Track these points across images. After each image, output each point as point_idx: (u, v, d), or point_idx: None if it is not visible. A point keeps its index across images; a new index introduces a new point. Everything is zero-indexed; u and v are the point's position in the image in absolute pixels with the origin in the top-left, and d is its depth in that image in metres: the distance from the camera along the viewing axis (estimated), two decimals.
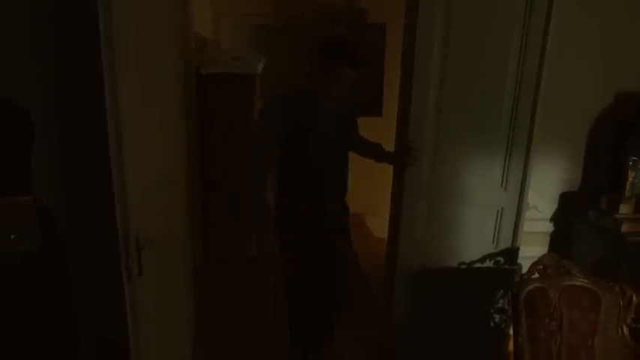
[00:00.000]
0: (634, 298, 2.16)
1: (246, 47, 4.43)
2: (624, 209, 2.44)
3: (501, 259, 2.57)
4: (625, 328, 2.16)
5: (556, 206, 2.82)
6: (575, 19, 2.58)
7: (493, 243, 2.56)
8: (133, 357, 1.61)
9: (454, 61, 2.52)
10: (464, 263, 2.57)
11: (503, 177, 2.50)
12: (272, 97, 2.38)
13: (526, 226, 2.66)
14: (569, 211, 2.79)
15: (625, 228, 2.38)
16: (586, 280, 2.23)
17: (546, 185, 2.79)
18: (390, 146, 2.91)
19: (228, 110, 3.77)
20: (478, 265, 2.57)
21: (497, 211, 2.53)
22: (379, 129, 4.42)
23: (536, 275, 2.22)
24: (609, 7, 2.60)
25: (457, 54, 2.53)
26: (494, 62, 2.51)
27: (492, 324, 2.65)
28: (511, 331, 2.32)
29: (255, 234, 2.42)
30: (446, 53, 2.52)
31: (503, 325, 2.64)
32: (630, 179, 2.54)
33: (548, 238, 2.84)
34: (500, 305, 2.62)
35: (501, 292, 2.61)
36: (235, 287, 3.75)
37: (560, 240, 2.76)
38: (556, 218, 2.82)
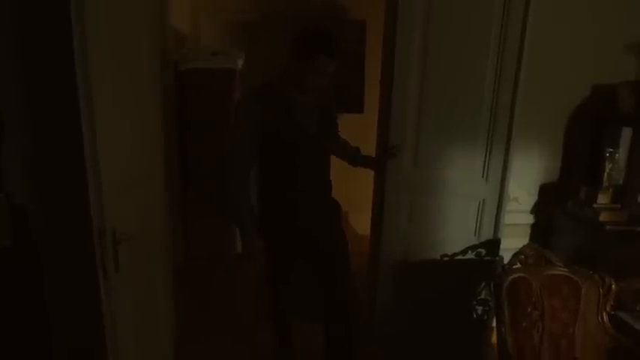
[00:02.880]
0: (613, 286, 2.19)
1: (225, 43, 4.37)
2: (602, 199, 2.48)
3: (483, 251, 2.59)
4: (604, 316, 2.19)
5: (536, 198, 2.85)
6: (552, 14, 2.61)
7: (475, 235, 2.58)
8: (110, 356, 1.57)
9: (434, 57, 2.55)
10: (446, 255, 2.58)
11: (484, 169, 2.52)
12: (245, 92, 2.26)
13: (507, 218, 2.68)
14: (549, 202, 2.82)
15: (603, 217, 2.42)
16: (566, 270, 2.26)
17: (526, 177, 2.82)
18: (372, 143, 2.92)
19: (207, 106, 3.72)
20: (460, 256, 2.58)
21: (479, 202, 2.55)
22: (360, 126, 4.42)
23: (518, 265, 2.23)
24: (585, 2, 2.63)
25: (437, 49, 2.54)
26: (473, 57, 2.54)
27: (475, 315, 2.66)
28: (494, 323, 2.33)
29: (239, 234, 2.27)
30: (426, 48, 2.55)
31: (485, 317, 2.66)
32: (607, 170, 2.58)
33: (529, 230, 2.87)
34: (482, 296, 2.64)
35: (483, 283, 2.62)
36: (217, 286, 3.70)
37: (541, 231, 2.79)
38: (536, 210, 2.85)
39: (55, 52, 1.51)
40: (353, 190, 4.55)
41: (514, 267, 2.22)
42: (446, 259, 2.58)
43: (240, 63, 3.87)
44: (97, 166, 1.47)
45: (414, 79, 2.58)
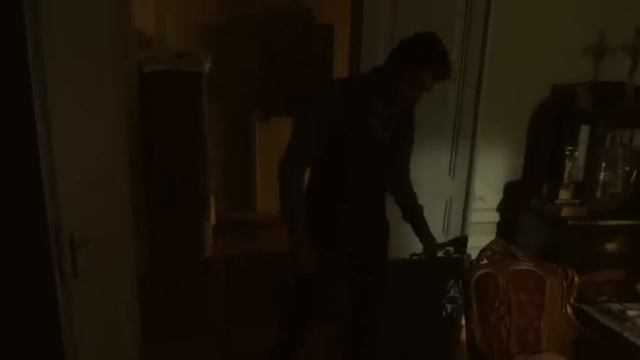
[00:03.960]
0: (575, 279, 2.25)
1: (192, 46, 4.31)
2: (563, 195, 2.55)
3: (451, 249, 2.61)
4: (568, 308, 2.25)
5: (501, 196, 2.91)
6: (513, 17, 2.69)
7: (443, 233, 2.60)
8: None
9: None
10: (415, 254, 2.59)
11: (450, 167, 2.56)
12: (326, 85, 2.15)
13: (474, 217, 2.73)
14: (513, 200, 2.88)
15: (565, 212, 2.49)
16: (531, 264, 2.30)
17: (491, 176, 2.88)
18: None
19: (173, 109, 3.64)
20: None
21: (446, 201, 2.58)
22: None
23: (485, 261, 2.27)
24: (544, 6, 2.72)
25: None
26: None
27: (445, 313, 2.68)
28: (464, 321, 2.35)
29: (289, 240, 1.96)
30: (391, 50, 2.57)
31: (455, 314, 2.68)
32: (568, 168, 2.66)
33: (495, 228, 2.93)
34: (451, 294, 2.66)
35: (452, 281, 2.64)
36: (185, 289, 3.62)
37: (507, 228, 2.85)
38: (502, 208, 2.91)
39: (8, 52, 1.45)
40: None
41: (481, 263, 2.26)
42: (415, 257, 2.59)
43: (206, 66, 3.81)
44: (52, 166, 1.42)
45: None
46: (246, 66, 4.75)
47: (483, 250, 2.28)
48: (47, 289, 1.46)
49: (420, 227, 2.20)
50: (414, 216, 2.21)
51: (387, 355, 2.61)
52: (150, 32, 4.21)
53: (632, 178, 2.70)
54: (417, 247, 2.59)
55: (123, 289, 2.19)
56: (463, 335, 2.56)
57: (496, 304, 2.23)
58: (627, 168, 2.73)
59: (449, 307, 2.69)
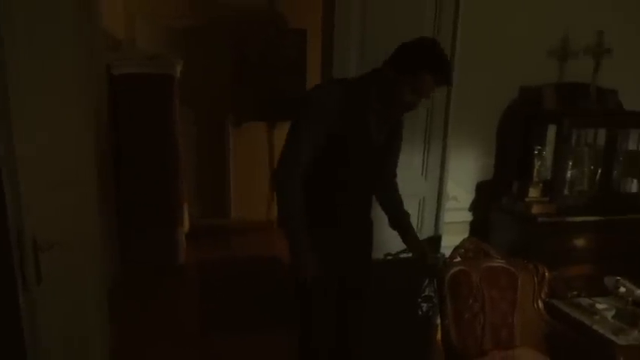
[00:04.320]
0: (546, 274, 2.30)
1: (163, 49, 4.25)
2: (533, 193, 2.61)
3: (444, 254, 2.62)
4: (540, 303, 2.28)
5: (473, 196, 2.96)
6: (481, 21, 2.74)
7: (417, 232, 2.61)
8: None
9: (371, 63, 2.58)
10: (390, 254, 2.60)
11: (423, 167, 2.58)
12: (327, 81, 2.03)
13: (447, 217, 2.76)
14: (485, 199, 2.93)
15: (535, 210, 2.54)
16: (503, 261, 2.34)
17: (463, 176, 2.92)
18: None
19: (144, 113, 3.57)
20: (404, 255, 2.61)
21: (419, 200, 2.60)
22: None
23: (459, 259, 2.29)
24: (510, 10, 2.79)
25: (374, 56, 2.59)
26: None
27: (420, 312, 2.69)
28: (439, 320, 2.36)
29: (289, 251, 1.86)
30: (363, 57, 2.61)
31: (430, 313, 2.69)
32: (536, 166, 2.72)
33: (468, 227, 2.96)
34: (426, 293, 2.68)
35: (427, 280, 2.66)
36: (159, 296, 3.54)
37: (479, 227, 2.89)
38: (474, 207, 2.95)
39: None
40: None
41: (455, 261, 2.28)
42: (389, 257, 2.60)
43: (178, 69, 3.76)
44: (13, 166, 1.36)
45: None
46: (219, 70, 4.71)
47: (457, 248, 2.31)
48: (8, 296, 1.39)
49: (408, 235, 2.15)
50: (402, 223, 2.16)
51: (365, 355, 2.60)
52: (119, 35, 4.13)
53: (597, 177, 2.78)
54: (392, 247, 2.61)
55: (91, 295, 2.12)
56: (439, 335, 2.58)
57: (470, 301, 2.25)
58: (592, 167, 2.81)
59: (424, 306, 2.71)
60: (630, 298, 2.27)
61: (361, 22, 2.60)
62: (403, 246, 2.61)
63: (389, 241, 2.60)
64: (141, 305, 3.37)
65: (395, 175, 2.16)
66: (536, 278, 2.31)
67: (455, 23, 2.72)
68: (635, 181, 2.80)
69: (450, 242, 2.55)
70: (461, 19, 2.71)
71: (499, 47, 2.81)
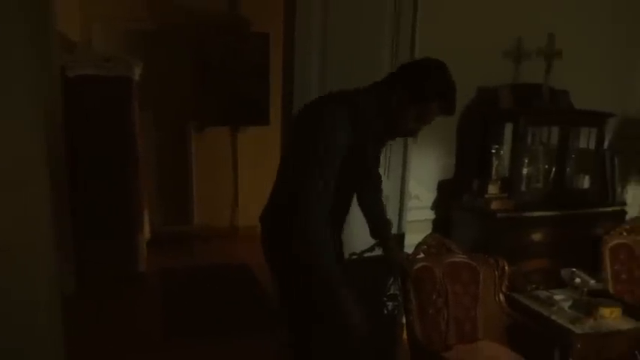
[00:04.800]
0: (506, 268, 2.35)
1: (121, 53, 4.13)
2: (492, 190, 2.68)
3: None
4: (501, 296, 2.33)
5: (435, 194, 3.00)
6: (438, 25, 2.82)
7: None
8: None
9: (332, 67, 2.66)
10: (355, 253, 2.59)
11: (385, 167, 2.60)
12: (328, 98, 1.72)
13: (410, 215, 2.79)
14: (446, 197, 2.98)
15: (494, 206, 2.60)
16: (465, 256, 2.38)
17: (425, 175, 2.96)
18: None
19: (101, 116, 3.46)
20: (368, 253, 2.61)
21: (382, 199, 2.61)
22: (267, 138, 4.42)
23: (422, 255, 2.31)
24: (467, 14, 2.87)
25: (335, 59, 2.67)
26: (369, 63, 2.68)
27: (386, 311, 2.70)
28: (404, 319, 2.37)
29: (340, 313, 1.66)
30: (324, 60, 2.66)
31: (396, 311, 2.70)
32: (495, 164, 2.80)
33: (430, 225, 3.00)
34: (391, 292, 2.68)
35: (392, 278, 2.67)
36: (118, 305, 3.41)
37: (442, 225, 2.93)
38: (436, 205, 3.00)
39: None
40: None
41: (418, 257, 2.30)
42: (354, 257, 2.59)
43: (137, 72, 3.67)
44: None
45: (314, 91, 2.64)
46: (181, 74, 4.62)
47: (419, 245, 2.33)
48: None
49: (387, 247, 2.12)
50: (384, 233, 2.11)
51: (330, 355, 2.58)
52: (75, 37, 4.00)
53: (552, 174, 2.88)
54: (355, 246, 2.60)
55: (42, 307, 2.00)
56: (405, 334, 2.59)
57: (434, 297, 2.28)
58: (547, 165, 2.91)
59: (390, 304, 2.71)
60: (585, 289, 2.36)
61: (322, 26, 2.64)
62: (367, 245, 2.62)
63: (353, 241, 2.60)
64: (99, 314, 3.24)
65: (380, 177, 2.13)
66: (496, 272, 2.36)
67: (413, 26, 2.80)
68: (586, 177, 2.92)
69: (413, 240, 2.57)
70: (419, 22, 2.79)
71: (457, 49, 2.86)
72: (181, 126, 4.81)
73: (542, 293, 2.49)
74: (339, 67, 2.66)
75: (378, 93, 1.73)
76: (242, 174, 4.89)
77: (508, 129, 2.83)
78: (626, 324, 2.22)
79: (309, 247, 1.59)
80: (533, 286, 2.60)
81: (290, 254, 1.70)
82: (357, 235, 2.60)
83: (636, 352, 2.17)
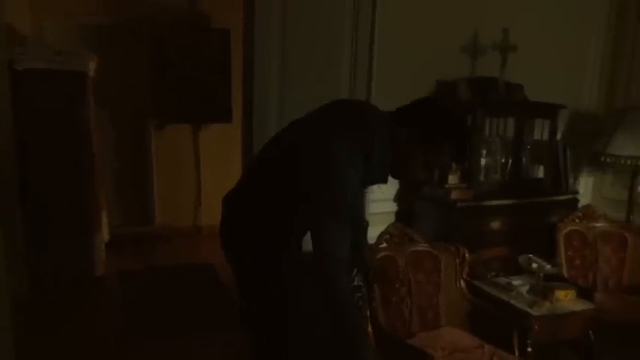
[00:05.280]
0: (466, 255, 2.40)
1: (75, 48, 3.98)
2: (452, 180, 2.73)
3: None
4: (462, 283, 2.38)
5: (398, 186, 3.03)
6: (397, 21, 2.85)
7: None
8: None
9: (293, 64, 2.68)
10: None
11: None
12: (342, 144, 1.47)
13: (373, 208, 2.81)
14: (408, 189, 3.01)
15: (454, 195, 2.65)
16: (427, 245, 2.41)
17: None
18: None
19: (53, 112, 3.31)
20: None
21: None
22: (230, 135, 4.34)
23: (384, 245, 2.33)
24: (428, 6, 2.92)
25: (295, 56, 2.68)
26: (329, 62, 2.76)
27: None
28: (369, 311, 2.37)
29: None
30: (284, 57, 2.67)
31: (360, 303, 2.70)
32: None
33: (393, 217, 3.02)
34: (356, 283, 2.68)
35: (356, 270, 2.67)
36: (75, 309, 3.27)
37: (404, 216, 2.95)
38: (398, 197, 3.02)
39: None
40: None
41: (381, 246, 2.32)
42: None
43: (91, 66, 3.54)
44: None
45: (274, 87, 2.67)
46: (139, 71, 4.50)
47: (382, 234, 2.35)
48: None
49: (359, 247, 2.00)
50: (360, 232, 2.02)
51: (296, 351, 2.56)
52: (25, 31, 3.83)
53: (509, 165, 2.96)
54: None
55: None
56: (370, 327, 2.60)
57: (397, 285, 2.30)
58: (503, 160, 2.98)
59: (355, 296, 2.71)
60: (541, 274, 2.43)
61: (282, 23, 2.67)
62: None
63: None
64: (54, 319, 3.10)
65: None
66: (457, 260, 2.40)
67: (372, 23, 2.84)
68: (541, 167, 3.02)
69: (376, 233, 2.58)
70: (378, 19, 2.82)
71: (416, 45, 2.93)
72: (140, 123, 4.68)
73: (502, 280, 2.56)
74: (299, 64, 2.70)
75: (387, 128, 1.56)
76: (205, 172, 4.80)
77: (466, 120, 2.88)
78: (579, 305, 2.31)
79: (336, 301, 1.49)
80: (493, 273, 2.66)
81: (252, 251, 1.68)
82: None
83: (590, 331, 2.26)
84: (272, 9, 2.64)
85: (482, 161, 2.82)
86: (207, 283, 3.79)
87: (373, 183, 1.73)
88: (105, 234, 3.98)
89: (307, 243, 2.13)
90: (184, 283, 3.82)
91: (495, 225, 2.72)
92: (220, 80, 4.63)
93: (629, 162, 2.90)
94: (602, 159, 3.01)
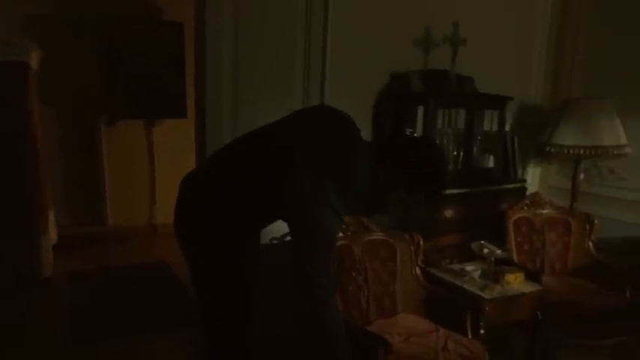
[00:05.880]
0: (421, 242, 2.45)
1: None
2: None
3: None
4: (417, 270, 2.43)
5: None
6: (351, 15, 2.86)
7: None
8: None
9: (246, 58, 2.64)
10: (275, 238, 2.57)
11: None
12: (327, 191, 1.47)
13: None
14: None
15: None
16: (382, 234, 2.45)
17: None
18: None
19: None
20: (288, 238, 2.59)
21: None
22: (185, 131, 4.24)
23: (340, 234, 2.34)
24: (380, 2, 2.95)
25: (248, 51, 2.64)
26: (282, 56, 2.74)
27: None
28: None
29: None
30: (237, 52, 2.63)
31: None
32: None
33: None
34: None
35: None
36: (22, 313, 3.13)
37: None
38: None
39: None
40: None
41: (337, 236, 2.32)
42: (275, 242, 2.57)
43: (33, 57, 3.37)
44: None
45: (228, 81, 2.63)
46: (88, 65, 4.33)
47: None
48: None
49: None
50: None
51: (257, 341, 2.54)
52: None
53: (461, 155, 3.04)
54: (275, 230, 2.58)
55: None
56: None
57: (354, 274, 2.31)
58: (455, 152, 3.05)
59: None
60: (493, 259, 2.51)
61: (234, 19, 2.64)
62: (287, 229, 2.60)
63: (272, 225, 2.58)
64: (1, 323, 2.93)
65: None
66: (412, 247, 2.45)
67: (326, 16, 2.83)
68: (491, 157, 3.11)
69: None
70: (331, 14, 2.82)
71: (370, 38, 2.95)
72: (90, 120, 4.50)
73: (456, 266, 2.62)
74: (252, 60, 2.67)
75: (369, 163, 1.57)
76: (159, 169, 4.68)
77: (420, 112, 2.93)
78: (528, 287, 2.40)
79: (325, 334, 1.54)
80: (447, 260, 2.72)
81: (213, 235, 1.65)
82: (278, 221, 2.58)
83: (537, 311, 2.36)
84: (223, 5, 2.61)
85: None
86: (162, 281, 3.70)
87: (349, 214, 1.78)
88: (52, 234, 3.81)
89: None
90: (138, 282, 3.71)
91: (449, 213, 2.79)
92: (174, 75, 4.53)
93: (571, 151, 3.03)
94: (548, 149, 3.14)
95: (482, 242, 2.57)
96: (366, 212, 1.73)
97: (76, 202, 4.55)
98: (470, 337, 2.15)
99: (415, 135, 2.77)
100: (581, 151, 2.99)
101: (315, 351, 1.58)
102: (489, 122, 3.13)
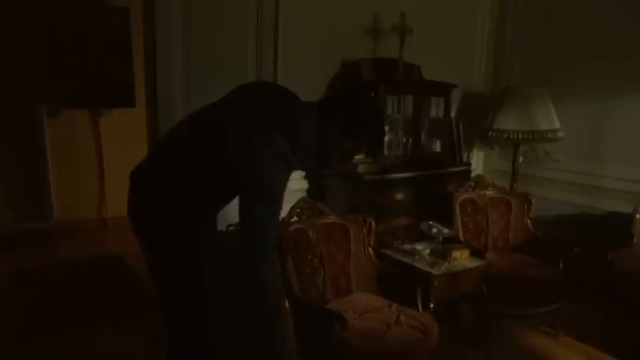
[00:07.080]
0: (373, 224, 2.55)
1: None
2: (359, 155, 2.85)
3: None
4: (370, 250, 2.53)
5: None
6: (303, 5, 2.90)
7: None
8: None
9: (197, 43, 2.63)
10: (231, 225, 2.58)
11: None
12: (277, 151, 1.52)
13: None
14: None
15: (361, 170, 2.79)
16: (336, 217, 2.52)
17: None
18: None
19: None
20: None
21: None
22: (134, 120, 4.14)
23: (295, 218, 2.40)
24: None
25: (200, 36, 2.63)
26: (233, 42, 2.77)
27: None
28: None
29: None
30: (188, 38, 2.61)
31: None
32: None
33: (305, 194, 3.10)
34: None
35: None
36: None
37: (316, 193, 3.03)
38: (309, 174, 3.10)
39: None
40: None
41: (292, 220, 2.38)
42: (231, 228, 2.59)
43: None
44: None
45: (179, 68, 2.61)
46: (26, 51, 4.11)
47: (293, 208, 2.41)
48: None
49: None
50: None
51: (216, 328, 2.56)
52: None
53: (410, 140, 3.16)
54: (232, 217, 2.60)
55: None
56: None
57: (309, 257, 2.38)
58: (404, 139, 3.17)
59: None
60: (440, 238, 2.66)
61: (184, 4, 2.58)
62: None
63: (227, 210, 2.59)
64: None
65: None
66: (365, 229, 2.54)
67: (277, 4, 2.86)
68: (438, 142, 3.27)
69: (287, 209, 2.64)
70: (282, 1, 2.85)
71: (320, 26, 3.00)
72: (30, 111, 4.29)
73: (407, 246, 2.75)
74: (204, 45, 2.65)
75: (311, 121, 1.61)
76: (108, 160, 4.54)
77: None
78: (473, 263, 2.57)
79: (267, 307, 1.62)
80: (399, 241, 2.85)
81: (168, 220, 1.65)
82: (234, 206, 2.60)
83: (482, 285, 2.52)
84: None
85: (386, 137, 2.98)
86: (114, 274, 3.62)
87: (300, 169, 1.82)
88: None
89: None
90: (89, 276, 3.60)
91: (399, 196, 2.91)
92: (120, 62, 4.39)
93: (511, 136, 3.23)
94: (490, 134, 3.32)
95: (431, 223, 2.71)
96: (316, 168, 1.78)
97: (18, 197, 4.34)
98: (420, 310, 2.28)
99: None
100: (520, 136, 3.19)
101: (251, 310, 1.65)
102: (436, 109, 3.28)
